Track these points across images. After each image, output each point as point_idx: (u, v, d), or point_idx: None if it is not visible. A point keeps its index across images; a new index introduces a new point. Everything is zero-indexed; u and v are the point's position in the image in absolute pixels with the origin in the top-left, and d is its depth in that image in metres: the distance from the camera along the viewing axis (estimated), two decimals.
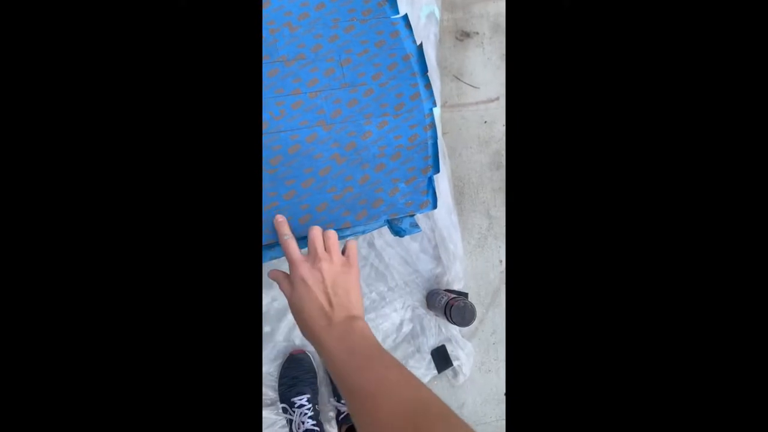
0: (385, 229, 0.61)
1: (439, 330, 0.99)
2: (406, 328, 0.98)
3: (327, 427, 0.92)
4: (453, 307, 0.85)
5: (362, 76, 0.58)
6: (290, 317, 0.92)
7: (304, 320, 0.46)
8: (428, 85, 0.60)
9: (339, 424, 0.92)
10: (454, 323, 0.85)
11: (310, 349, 0.93)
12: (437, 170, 0.60)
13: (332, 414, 0.93)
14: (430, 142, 0.60)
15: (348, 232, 0.58)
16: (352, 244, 0.51)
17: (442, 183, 0.93)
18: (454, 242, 0.95)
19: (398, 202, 0.59)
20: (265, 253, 0.55)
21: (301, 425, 0.86)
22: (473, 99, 1.10)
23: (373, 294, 0.96)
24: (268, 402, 0.91)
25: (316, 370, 0.93)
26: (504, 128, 1.10)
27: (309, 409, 0.87)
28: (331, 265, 0.48)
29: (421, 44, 0.60)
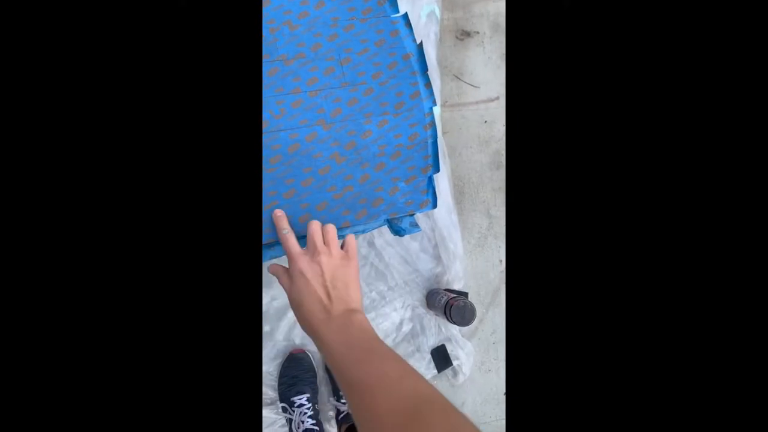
0: (385, 229, 0.61)
1: (438, 329, 0.99)
2: (406, 328, 0.98)
3: (327, 426, 0.92)
4: (453, 306, 0.85)
5: (362, 75, 0.58)
6: (290, 316, 0.92)
7: (303, 314, 0.46)
8: (428, 84, 0.60)
9: (339, 423, 0.92)
10: (454, 323, 0.85)
11: (310, 348, 0.93)
12: (437, 169, 0.60)
13: (332, 413, 0.93)
14: (430, 141, 0.60)
15: (348, 231, 0.58)
16: (351, 238, 0.51)
17: (442, 182, 0.93)
18: (454, 242, 0.95)
19: (398, 201, 0.59)
20: (265, 252, 0.55)
21: (301, 424, 0.86)
22: (473, 98, 1.10)
23: (373, 293, 0.96)
24: (268, 401, 0.91)
25: (316, 369, 0.93)
26: (504, 128, 1.10)
27: (309, 408, 0.87)
28: (330, 259, 0.48)
29: (421, 43, 0.60)
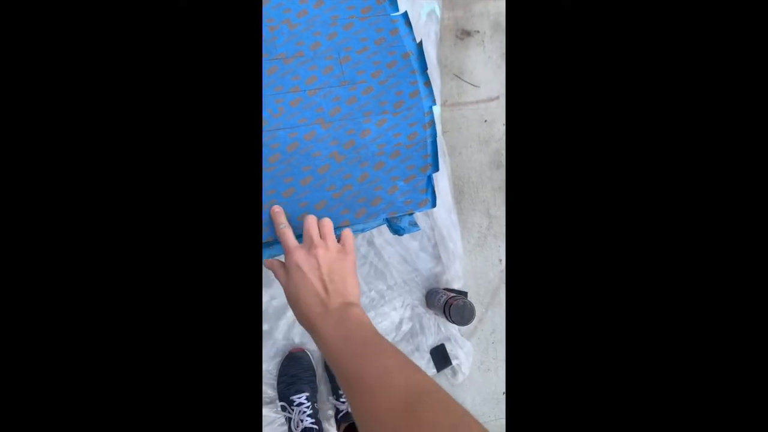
0: (385, 228, 0.61)
1: (438, 329, 0.99)
2: (406, 327, 0.97)
3: (326, 425, 0.92)
4: (452, 306, 0.85)
5: (361, 73, 0.58)
6: (289, 315, 0.92)
7: (300, 308, 0.46)
8: (428, 83, 0.60)
9: (338, 422, 0.91)
10: (454, 322, 0.85)
11: (309, 347, 0.93)
12: (436, 169, 0.60)
13: (331, 412, 0.93)
14: (429, 140, 0.60)
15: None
16: (348, 231, 0.51)
17: (442, 182, 0.92)
18: (454, 241, 0.95)
19: (397, 200, 0.59)
20: (264, 251, 0.55)
21: (300, 423, 0.86)
22: (473, 98, 1.10)
23: (373, 292, 0.96)
24: (267, 400, 0.91)
25: (315, 368, 0.93)
26: (504, 127, 1.09)
27: (308, 407, 0.87)
28: (327, 252, 0.48)
29: (420, 42, 0.60)
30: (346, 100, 0.57)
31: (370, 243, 0.95)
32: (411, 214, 0.60)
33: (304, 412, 0.86)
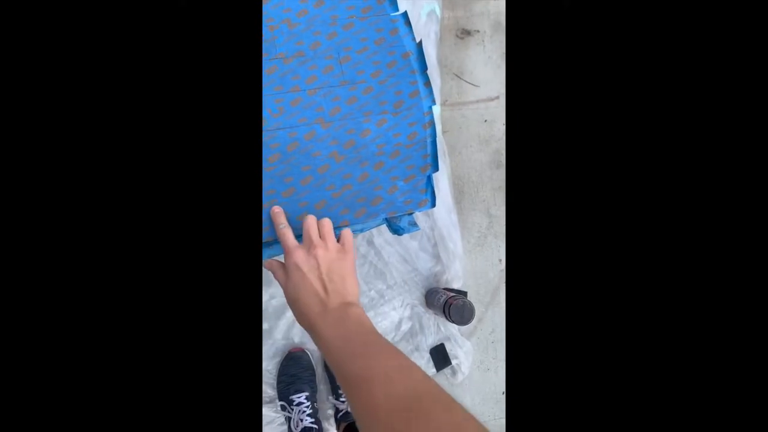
0: (385, 228, 0.61)
1: (438, 328, 0.99)
2: (405, 327, 0.98)
3: (325, 424, 0.92)
4: (452, 305, 0.85)
5: (361, 73, 0.58)
6: (289, 315, 0.92)
7: (300, 307, 0.46)
8: (427, 83, 0.60)
9: (337, 421, 0.92)
10: (453, 322, 0.85)
11: (308, 346, 0.93)
12: (436, 169, 0.60)
13: (330, 412, 0.93)
14: (429, 140, 0.60)
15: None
16: (348, 231, 0.51)
17: (442, 181, 0.92)
18: (454, 241, 0.95)
19: (397, 200, 0.59)
20: (264, 251, 0.55)
21: (300, 423, 0.86)
22: (474, 97, 1.10)
23: (372, 292, 0.96)
24: (267, 399, 0.91)
25: (315, 367, 0.93)
26: (504, 127, 1.09)
27: (307, 407, 0.87)
28: (327, 252, 0.47)
29: (420, 42, 0.60)
30: (345, 99, 0.57)
31: (370, 243, 0.95)
32: (410, 214, 0.60)
33: (304, 411, 0.86)
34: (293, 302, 0.47)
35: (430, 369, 0.98)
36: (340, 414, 0.91)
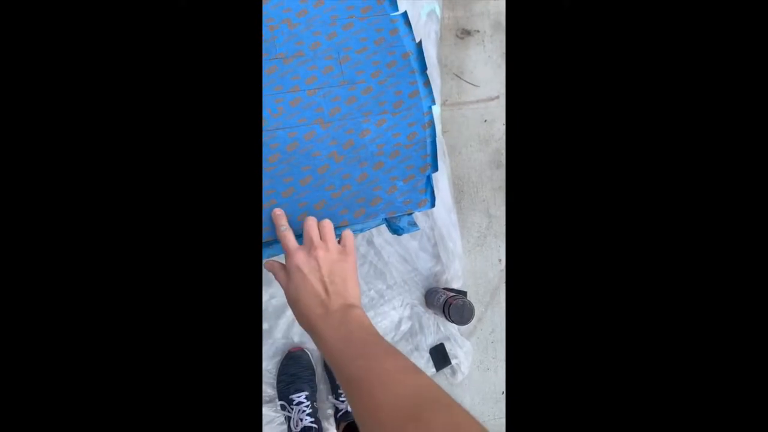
0: (384, 227, 0.61)
1: (437, 328, 0.99)
2: (405, 327, 0.98)
3: (325, 424, 0.92)
4: (452, 305, 0.85)
5: (361, 73, 0.58)
6: (289, 314, 0.92)
7: (300, 309, 0.46)
8: (427, 83, 0.60)
9: (337, 421, 0.92)
10: (453, 322, 0.85)
11: (308, 346, 0.93)
12: (436, 169, 0.60)
13: (330, 411, 0.93)
14: (428, 140, 0.60)
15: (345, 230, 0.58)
16: (349, 232, 0.51)
17: (442, 181, 0.92)
18: (454, 241, 0.95)
19: (396, 200, 0.59)
20: (264, 251, 0.55)
21: (300, 422, 0.86)
22: (474, 97, 1.10)
23: (372, 292, 0.96)
24: (267, 399, 0.91)
25: (315, 367, 0.93)
26: (504, 127, 1.09)
27: (307, 406, 0.87)
28: (328, 254, 0.47)
29: (420, 42, 0.60)
30: (345, 100, 0.57)
31: (370, 243, 0.95)
32: (410, 214, 0.60)
33: (304, 411, 0.87)
34: (294, 303, 0.47)
35: (429, 369, 0.98)
36: (340, 413, 0.91)
